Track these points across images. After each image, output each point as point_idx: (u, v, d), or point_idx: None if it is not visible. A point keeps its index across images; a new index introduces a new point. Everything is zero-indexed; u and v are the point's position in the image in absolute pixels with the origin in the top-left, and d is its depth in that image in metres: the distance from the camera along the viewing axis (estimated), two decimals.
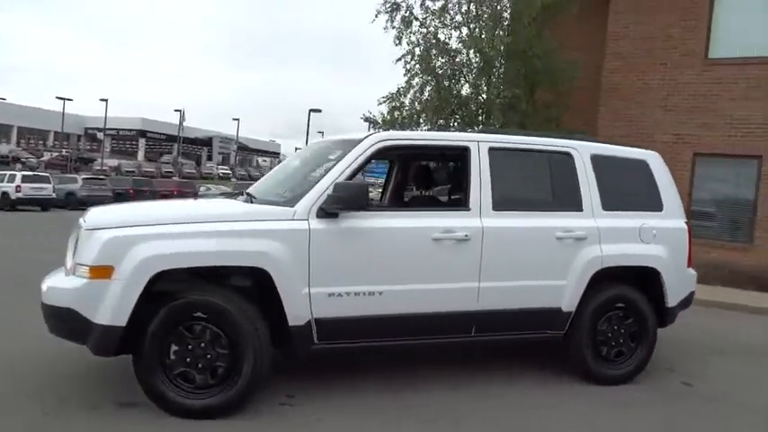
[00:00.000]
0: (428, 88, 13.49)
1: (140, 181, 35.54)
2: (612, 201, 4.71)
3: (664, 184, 5.00)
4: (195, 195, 28.32)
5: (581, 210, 4.61)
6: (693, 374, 5.05)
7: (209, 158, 72.33)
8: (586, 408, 4.24)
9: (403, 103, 13.99)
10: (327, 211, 3.87)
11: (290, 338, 3.81)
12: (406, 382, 4.50)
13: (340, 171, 3.98)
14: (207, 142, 73.45)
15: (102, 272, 3.48)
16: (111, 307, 3.46)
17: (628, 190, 4.85)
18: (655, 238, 4.80)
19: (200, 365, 3.64)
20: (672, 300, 4.89)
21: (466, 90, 13.77)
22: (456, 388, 4.42)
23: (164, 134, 69.18)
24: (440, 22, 13.72)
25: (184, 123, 63.08)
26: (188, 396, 3.64)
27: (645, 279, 4.81)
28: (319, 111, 37.96)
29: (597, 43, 13.78)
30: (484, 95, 13.29)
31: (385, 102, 14.16)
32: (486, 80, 12.67)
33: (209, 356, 3.64)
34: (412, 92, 13.70)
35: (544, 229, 4.44)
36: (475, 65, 13.17)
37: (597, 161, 4.75)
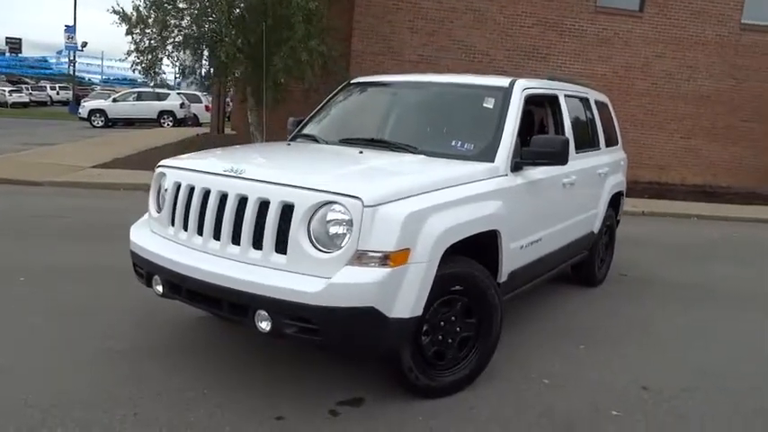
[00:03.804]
0: None
1: None
2: (607, 139, 5.72)
3: (616, 121, 6.23)
4: None
5: (599, 148, 5.50)
6: (625, 267, 6.66)
7: None
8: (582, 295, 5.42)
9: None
10: (518, 165, 3.84)
11: None
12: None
13: (514, 123, 3.92)
14: None
15: (402, 257, 2.85)
16: (412, 295, 2.91)
17: (607, 128, 5.90)
18: (621, 167, 6.06)
19: (449, 340, 3.37)
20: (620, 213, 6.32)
21: None
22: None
23: None
24: None
25: None
26: (441, 374, 3.36)
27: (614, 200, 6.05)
28: None
29: None
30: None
31: None
32: None
33: (458, 329, 3.39)
34: None
35: (594, 167, 5.21)
36: None
37: (597, 105, 5.64)
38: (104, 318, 4.28)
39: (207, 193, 3.22)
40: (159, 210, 3.60)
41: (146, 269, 3.45)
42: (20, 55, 68.87)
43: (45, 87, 47.03)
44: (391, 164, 3.56)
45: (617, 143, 6.14)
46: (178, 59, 12.65)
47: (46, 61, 69.35)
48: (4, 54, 68.66)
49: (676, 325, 4.97)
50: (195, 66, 13.07)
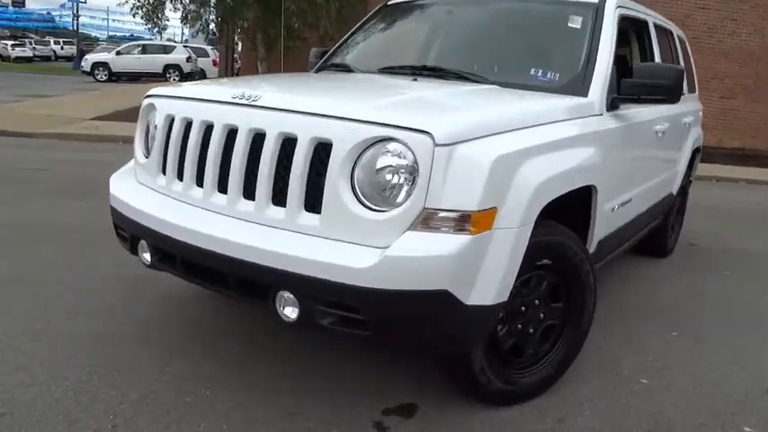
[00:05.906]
0: None
1: None
2: (688, 84, 4.77)
3: (693, 63, 5.25)
4: None
5: (683, 93, 4.54)
6: (695, 237, 5.78)
7: None
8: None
9: None
10: (615, 103, 2.95)
11: None
12: None
13: (609, 47, 3.00)
14: None
15: (486, 220, 2.00)
16: (498, 274, 2.06)
17: (689, 70, 4.94)
18: (700, 119, 5.13)
19: (530, 330, 2.54)
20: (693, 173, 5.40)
21: None
22: None
23: None
24: None
25: None
26: (518, 375, 2.55)
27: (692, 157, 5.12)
28: None
29: None
30: None
31: None
32: None
33: (542, 316, 2.56)
34: None
35: (681, 115, 4.29)
36: None
37: (680, 41, 4.68)
38: (70, 289, 3.47)
39: (209, 129, 2.36)
40: (148, 154, 2.75)
41: (129, 231, 2.61)
42: (23, 9, 67.10)
43: (49, 42, 45.87)
44: (458, 93, 2.65)
45: (695, 90, 5.19)
46: (182, 3, 11.58)
47: (50, 14, 67.68)
48: (6, 7, 66.85)
49: None
50: (201, 11, 11.98)
